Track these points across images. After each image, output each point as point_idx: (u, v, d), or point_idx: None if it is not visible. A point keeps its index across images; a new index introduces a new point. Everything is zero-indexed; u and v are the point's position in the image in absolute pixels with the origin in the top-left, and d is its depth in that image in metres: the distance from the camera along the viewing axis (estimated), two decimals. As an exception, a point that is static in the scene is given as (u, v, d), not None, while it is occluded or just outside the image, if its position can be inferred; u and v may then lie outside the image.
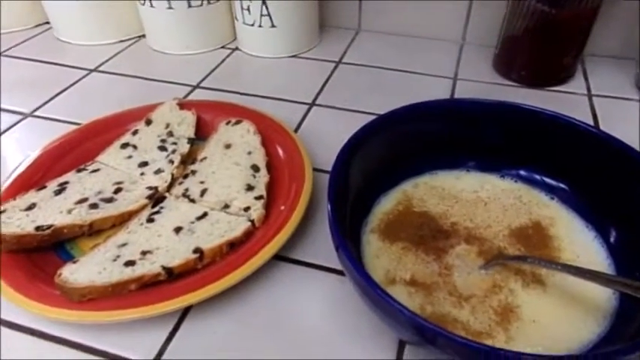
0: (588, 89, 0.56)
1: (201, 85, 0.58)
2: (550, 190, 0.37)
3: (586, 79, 0.58)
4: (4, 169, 0.45)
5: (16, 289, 0.31)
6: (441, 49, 0.64)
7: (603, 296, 0.31)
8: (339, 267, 0.35)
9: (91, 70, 0.60)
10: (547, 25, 0.51)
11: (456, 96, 0.55)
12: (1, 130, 0.50)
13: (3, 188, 0.38)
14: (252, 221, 0.36)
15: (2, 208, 0.35)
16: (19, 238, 0.33)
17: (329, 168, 0.44)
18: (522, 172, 0.39)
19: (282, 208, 0.37)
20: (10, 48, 0.65)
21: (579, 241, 0.34)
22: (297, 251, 0.36)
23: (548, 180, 0.38)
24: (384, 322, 0.28)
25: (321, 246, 0.37)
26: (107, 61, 0.63)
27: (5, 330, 0.32)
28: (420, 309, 0.30)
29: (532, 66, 0.55)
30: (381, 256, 0.34)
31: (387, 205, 0.38)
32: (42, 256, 0.34)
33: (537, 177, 0.38)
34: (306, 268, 0.36)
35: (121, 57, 0.64)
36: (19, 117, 0.52)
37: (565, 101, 0.54)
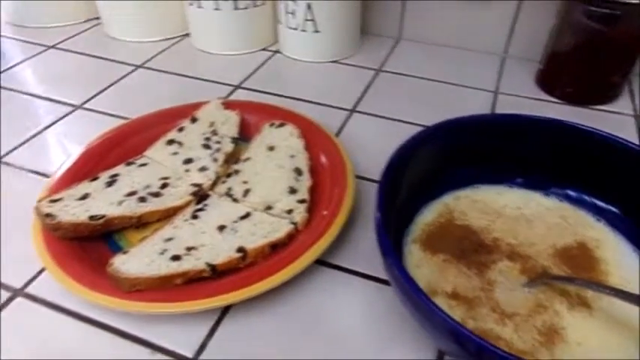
0: (635, 110, 0.55)
1: (243, 85, 0.59)
2: (597, 212, 0.37)
3: (633, 99, 0.57)
4: (57, 157, 0.47)
5: (69, 274, 0.32)
6: (482, 62, 0.64)
7: (651, 323, 0.30)
8: (378, 274, 0.36)
9: (137, 67, 0.62)
10: (597, 42, 0.50)
11: (497, 110, 0.55)
12: (54, 120, 0.52)
13: (58, 175, 0.40)
14: (294, 224, 0.36)
15: (59, 196, 0.36)
16: (75, 226, 0.34)
17: (369, 175, 0.45)
18: (568, 192, 0.38)
19: (325, 212, 0.37)
20: (62, 41, 0.67)
21: (627, 266, 0.34)
22: (337, 257, 0.37)
23: (595, 201, 0.37)
24: (427, 332, 0.27)
25: (362, 253, 0.37)
26: (152, 58, 0.64)
27: (54, 313, 0.33)
28: (461, 322, 0.30)
29: (578, 83, 0.55)
30: (422, 267, 0.34)
31: (428, 216, 0.38)
32: (92, 244, 0.35)
33: (584, 197, 0.38)
34: (346, 274, 0.36)
35: (165, 55, 0.65)
36: (70, 108, 0.54)
37: (610, 121, 0.53)
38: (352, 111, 0.54)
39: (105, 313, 0.32)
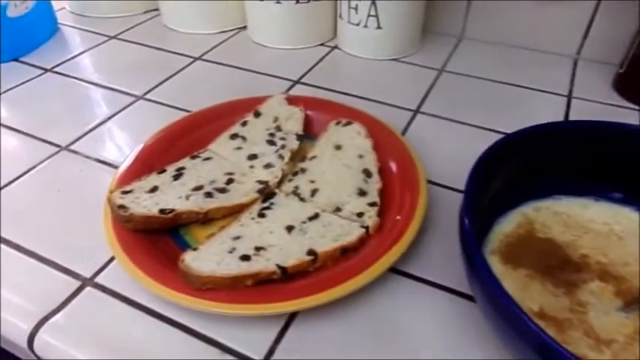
0: None
1: (302, 80, 0.57)
2: (700, 232, 0.34)
3: None
4: (121, 147, 0.47)
5: (140, 267, 0.32)
6: (553, 64, 0.60)
7: None
8: (452, 285, 0.34)
9: (196, 59, 0.62)
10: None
11: (571, 116, 0.52)
12: (117, 110, 0.52)
13: (125, 166, 0.40)
14: (366, 228, 0.35)
15: (130, 187, 0.36)
16: (147, 219, 0.34)
17: (437, 179, 0.43)
18: (665, 209, 0.35)
19: (398, 218, 0.35)
20: (122, 32, 0.68)
21: None
22: (408, 264, 0.35)
23: (699, 220, 0.34)
24: (517, 351, 0.25)
25: (435, 262, 0.35)
26: (210, 50, 0.64)
27: (122, 305, 0.33)
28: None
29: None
30: (504, 282, 0.31)
31: (507, 226, 0.35)
32: (159, 238, 0.35)
33: (686, 215, 0.34)
34: (419, 283, 0.34)
35: (223, 47, 0.65)
36: (133, 99, 0.54)
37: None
38: (416, 112, 0.52)
39: (173, 308, 0.32)
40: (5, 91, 0.55)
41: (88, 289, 0.34)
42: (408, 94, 0.55)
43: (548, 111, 0.52)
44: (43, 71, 0.59)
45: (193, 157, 0.41)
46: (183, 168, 0.39)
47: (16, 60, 0.61)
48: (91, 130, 0.49)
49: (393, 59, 0.62)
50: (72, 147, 0.47)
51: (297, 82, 0.57)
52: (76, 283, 0.34)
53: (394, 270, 0.34)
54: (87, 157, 0.46)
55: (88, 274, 0.35)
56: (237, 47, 0.65)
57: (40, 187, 0.42)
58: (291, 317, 0.32)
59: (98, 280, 0.34)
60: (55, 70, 0.60)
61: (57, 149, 0.47)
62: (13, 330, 0.32)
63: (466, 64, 0.61)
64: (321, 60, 0.62)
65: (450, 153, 0.46)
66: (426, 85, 0.57)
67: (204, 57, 0.62)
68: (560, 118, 0.51)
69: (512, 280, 0.31)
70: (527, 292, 0.31)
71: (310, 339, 0.31)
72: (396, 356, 0.30)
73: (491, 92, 0.56)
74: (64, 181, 0.43)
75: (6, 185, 0.42)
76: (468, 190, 0.30)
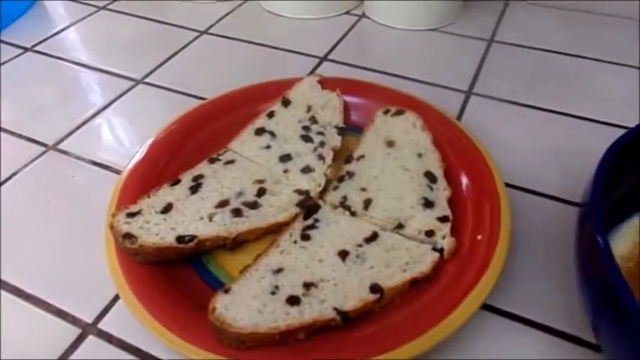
0: None
1: (329, 57, 0.49)
2: None
3: None
4: (120, 144, 0.39)
5: (152, 313, 0.24)
6: (623, 28, 0.51)
7: None
8: (557, 324, 0.27)
9: (201, 32, 0.53)
10: None
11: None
12: (113, 98, 0.43)
13: (127, 172, 0.32)
14: (439, 251, 0.27)
15: (137, 208, 0.28)
16: (160, 251, 0.26)
17: (510, 180, 0.35)
18: None
19: (480, 237, 0.28)
20: (113, 1, 0.58)
21: None
22: (497, 297, 0.28)
23: None
24: None
25: (530, 292, 0.28)
26: (216, 22, 0.55)
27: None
28: None
29: None
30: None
31: (621, 246, 0.28)
32: (177, 270, 0.27)
33: None
34: (512, 322, 0.27)
35: (231, 18, 0.55)
36: (130, 83, 0.45)
37: None
38: (469, 93, 0.44)
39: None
40: (-22, 77, 0.47)
41: (91, 338, 0.27)
42: (455, 72, 0.46)
43: (625, 86, 0.44)
44: (22, 50, 0.50)
45: (212, 161, 0.33)
46: (201, 176, 0.31)
47: (-11, 38, 0.52)
48: (82, 124, 0.41)
49: (431, 29, 0.53)
50: (60, 145, 0.39)
51: (324, 59, 0.48)
52: (76, 331, 0.27)
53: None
54: (79, 157, 0.38)
55: (89, 319, 0.27)
56: (248, 18, 0.56)
57: (25, 199, 0.35)
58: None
59: (102, 325, 0.27)
60: (36, 48, 0.51)
61: (43, 149, 0.39)
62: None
63: (518, 31, 0.52)
64: (348, 32, 0.53)
65: (516, 144, 0.38)
66: (476, 59, 0.48)
67: (210, 30, 0.53)
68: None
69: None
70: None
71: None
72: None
73: (551, 65, 0.47)
74: (54, 189, 0.35)
75: (-18, 197, 0.35)
76: (594, 199, 0.23)
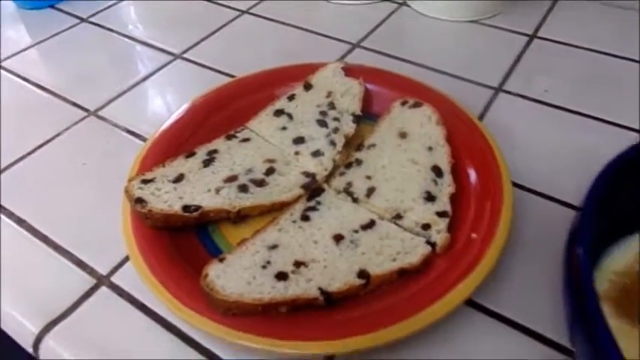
0: None
1: (362, 44, 0.49)
2: None
3: None
4: (153, 115, 0.42)
5: (156, 275, 0.27)
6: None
7: None
8: (541, 328, 0.26)
9: (243, 12, 0.54)
10: None
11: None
12: (151, 71, 0.46)
13: (150, 144, 0.34)
14: (432, 245, 0.28)
15: (152, 175, 0.31)
16: (167, 217, 0.28)
17: (526, 182, 0.34)
18: None
19: (474, 236, 0.28)
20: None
21: None
22: (484, 294, 0.28)
23: None
24: None
25: (519, 293, 0.28)
26: (260, 2, 0.56)
27: (139, 314, 0.28)
28: None
29: None
30: (620, 342, 0.24)
31: (620, 260, 0.27)
32: (183, 237, 0.30)
33: None
34: (496, 321, 0.27)
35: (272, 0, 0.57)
36: (170, 58, 0.48)
37: None
38: (498, 90, 0.43)
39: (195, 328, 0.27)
40: (37, 43, 0.51)
41: (103, 289, 0.29)
42: (489, 67, 0.45)
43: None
44: (79, 21, 0.54)
45: (229, 138, 0.35)
46: (216, 151, 0.33)
47: (52, 7, 0.56)
48: (121, 94, 0.44)
49: (472, 21, 0.51)
50: (100, 112, 0.42)
51: (357, 45, 0.49)
52: (91, 281, 0.30)
53: (467, 301, 0.27)
54: (115, 125, 0.41)
55: (104, 271, 0.30)
56: (289, 0, 0.56)
57: (63, 159, 0.38)
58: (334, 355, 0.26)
59: (114, 279, 0.30)
60: (91, 20, 0.54)
61: (85, 114, 0.42)
62: (20, 331, 0.28)
63: (565, 28, 0.49)
64: (385, 20, 0.52)
65: (542, 146, 0.37)
66: (513, 55, 0.46)
67: (251, 10, 0.55)
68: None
69: (629, 341, 0.24)
70: (648, 358, 0.23)
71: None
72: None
73: (598, 67, 0.45)
74: (90, 153, 0.38)
75: (29, 153, 0.38)
76: (588, 209, 0.22)
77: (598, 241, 0.27)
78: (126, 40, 0.51)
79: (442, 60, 0.46)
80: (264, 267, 0.27)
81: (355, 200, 0.31)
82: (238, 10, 0.55)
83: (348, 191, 0.31)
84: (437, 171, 0.31)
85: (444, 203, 0.30)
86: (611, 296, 0.26)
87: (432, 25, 0.51)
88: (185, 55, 0.48)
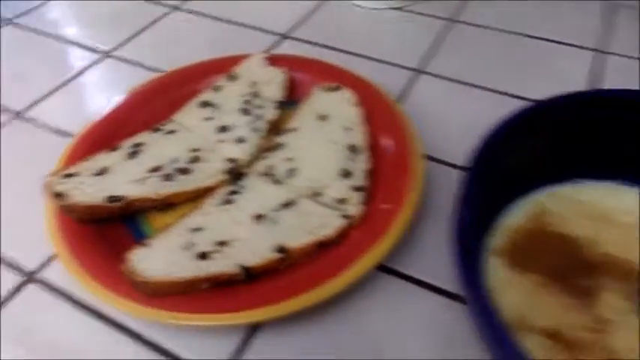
0: None
1: (292, 35, 0.50)
2: None
3: None
4: (81, 114, 0.42)
5: (85, 268, 0.27)
6: (584, 11, 0.51)
7: None
8: (449, 286, 0.29)
9: (173, 8, 0.55)
10: None
11: (605, 76, 0.44)
12: (80, 70, 0.46)
13: (75, 141, 0.35)
14: (348, 218, 0.30)
15: (75, 170, 0.31)
16: (91, 209, 0.29)
17: (440, 155, 0.37)
18: None
19: (385, 206, 0.30)
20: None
21: None
22: (398, 260, 0.30)
23: None
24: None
25: (430, 257, 0.30)
26: (188, -2, 0.56)
27: (67, 305, 0.29)
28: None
29: None
30: (510, 291, 0.26)
31: (515, 218, 0.30)
32: (112, 228, 0.30)
33: None
34: (409, 283, 0.29)
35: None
36: (97, 56, 0.48)
37: None
38: (420, 72, 0.45)
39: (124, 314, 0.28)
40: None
41: (32, 285, 0.30)
42: (411, 51, 0.47)
43: (575, 71, 0.45)
44: (4, 23, 0.53)
45: (155, 131, 0.35)
46: (141, 144, 0.34)
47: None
48: (49, 95, 0.43)
49: (396, 8, 0.53)
50: (28, 113, 0.42)
51: (285, 36, 0.50)
52: (20, 278, 0.30)
53: (381, 267, 0.30)
54: (43, 125, 0.41)
55: (33, 267, 0.31)
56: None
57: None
58: (258, 325, 0.28)
59: (44, 274, 0.30)
60: (16, 21, 0.53)
61: (12, 115, 0.42)
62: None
63: (483, 13, 0.52)
64: (314, 10, 0.54)
65: (458, 122, 0.39)
66: (433, 39, 0.49)
67: (182, 6, 0.55)
68: (592, 78, 0.43)
69: (519, 290, 0.26)
70: (537, 304, 0.26)
71: (280, 350, 0.27)
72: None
73: (510, 47, 0.48)
74: (18, 153, 0.38)
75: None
76: (473, 172, 0.25)
77: (493, 200, 0.30)
78: (53, 40, 0.50)
79: (367, 46, 0.48)
80: (186, 248, 0.28)
81: (277, 182, 0.32)
82: (168, 6, 0.55)
83: (269, 174, 0.33)
84: (353, 149, 0.33)
85: (359, 179, 0.32)
86: (506, 251, 0.28)
87: (358, 13, 0.53)
88: (115, 53, 0.48)
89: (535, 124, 0.29)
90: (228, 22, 0.52)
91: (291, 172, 0.33)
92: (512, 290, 0.26)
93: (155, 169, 0.32)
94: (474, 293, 0.21)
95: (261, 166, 0.33)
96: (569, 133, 0.30)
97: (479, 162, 0.25)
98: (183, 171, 0.32)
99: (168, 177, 0.32)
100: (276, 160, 0.34)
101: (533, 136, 0.29)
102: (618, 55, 0.46)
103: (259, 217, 0.30)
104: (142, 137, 0.35)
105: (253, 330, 0.27)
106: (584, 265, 0.27)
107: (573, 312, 0.25)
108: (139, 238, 0.30)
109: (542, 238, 0.29)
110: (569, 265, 0.27)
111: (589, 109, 0.30)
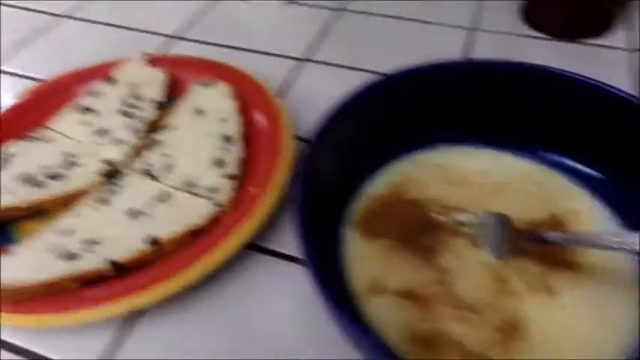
0: (633, 43, 0.47)
1: (184, 35, 0.51)
2: (580, 178, 0.31)
3: (632, 30, 0.49)
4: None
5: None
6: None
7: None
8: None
9: (60, 16, 0.54)
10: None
11: (476, 50, 0.47)
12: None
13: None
14: (219, 205, 0.31)
15: None
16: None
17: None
18: (547, 154, 0.32)
19: (252, 189, 0.31)
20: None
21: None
22: (267, 239, 0.31)
23: (578, 165, 0.31)
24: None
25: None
26: (79, 4, 0.55)
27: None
28: (411, 327, 0.25)
29: (570, 14, 0.46)
30: (364, 258, 0.28)
31: (376, 187, 0.32)
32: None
33: (565, 160, 0.31)
34: (277, 259, 0.31)
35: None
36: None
37: (603, 59, 0.45)
38: (305, 60, 0.47)
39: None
40: None
41: None
42: (299, 41, 0.49)
43: (449, 47, 0.48)
44: None
45: (25, 139, 0.35)
46: (11, 155, 0.34)
47: None
48: None
49: (284, 0, 0.55)
50: None
51: (173, 37, 0.50)
52: None
53: (254, 247, 0.31)
54: None
55: None
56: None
57: None
58: (135, 318, 0.28)
59: None
60: None
61: None
62: None
63: (368, 2, 0.55)
64: (206, 9, 0.55)
65: (331, 103, 0.41)
66: (321, 28, 0.51)
67: (69, 14, 0.54)
68: (462, 53, 0.47)
69: (372, 256, 0.28)
70: (388, 267, 0.28)
71: (158, 337, 0.27)
72: (252, 344, 0.27)
73: (393, 31, 0.50)
74: None
75: None
76: (313, 146, 0.26)
77: (352, 171, 0.31)
78: None
79: (257, 40, 0.49)
80: (51, 251, 0.28)
81: (155, 178, 0.33)
82: (54, 14, 0.54)
83: (147, 171, 0.33)
84: (227, 139, 0.34)
85: (232, 167, 0.33)
86: (361, 218, 0.30)
87: (248, 10, 0.55)
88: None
89: (384, 95, 0.31)
90: (117, 26, 0.52)
91: (168, 168, 0.33)
92: (366, 257, 0.28)
93: (23, 177, 0.32)
94: (311, 265, 0.22)
95: (138, 164, 0.34)
96: (423, 101, 0.32)
97: (320, 136, 0.27)
98: (54, 177, 0.32)
99: (37, 183, 0.32)
100: (153, 158, 0.34)
101: (384, 107, 0.31)
102: (488, 31, 0.49)
103: (134, 213, 0.30)
104: (12, 147, 0.34)
105: (130, 322, 0.28)
106: (425, 226, 0.29)
107: (422, 270, 0.27)
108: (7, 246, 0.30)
109: (395, 204, 0.31)
110: (415, 228, 0.29)
111: (440, 80, 0.32)
